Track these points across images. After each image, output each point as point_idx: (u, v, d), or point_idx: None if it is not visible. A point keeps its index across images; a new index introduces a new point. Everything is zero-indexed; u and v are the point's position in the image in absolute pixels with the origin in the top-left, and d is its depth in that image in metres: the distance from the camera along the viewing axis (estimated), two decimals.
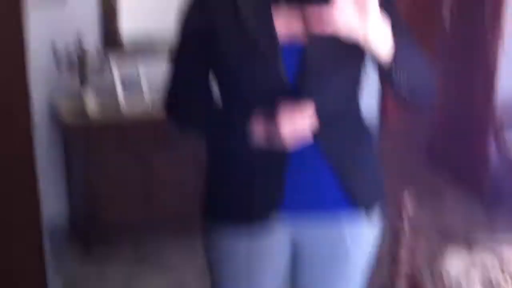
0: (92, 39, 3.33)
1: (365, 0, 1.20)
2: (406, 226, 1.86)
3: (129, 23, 3.48)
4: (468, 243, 1.99)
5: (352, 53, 1.37)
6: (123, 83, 3.28)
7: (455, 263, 1.88)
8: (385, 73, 1.36)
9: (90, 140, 3.11)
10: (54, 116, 3.27)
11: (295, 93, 1.38)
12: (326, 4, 1.18)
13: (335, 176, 1.44)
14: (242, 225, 1.48)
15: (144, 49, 3.51)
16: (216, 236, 1.53)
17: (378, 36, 1.26)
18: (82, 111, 3.15)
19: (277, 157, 1.41)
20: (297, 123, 1.33)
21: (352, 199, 1.46)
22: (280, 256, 1.53)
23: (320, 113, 1.36)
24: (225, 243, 1.51)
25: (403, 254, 1.85)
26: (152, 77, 3.30)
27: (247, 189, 1.45)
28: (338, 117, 1.45)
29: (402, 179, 4.29)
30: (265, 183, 1.44)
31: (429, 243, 3.03)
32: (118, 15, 3.42)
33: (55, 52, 3.12)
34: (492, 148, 3.86)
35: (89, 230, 3.27)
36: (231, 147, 1.48)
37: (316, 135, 1.39)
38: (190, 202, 2.77)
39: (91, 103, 3.16)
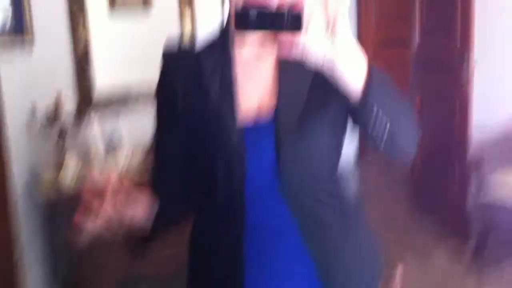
0: (68, 97, 3.20)
1: (336, 23, 1.12)
2: None
3: (104, 77, 3.30)
4: None
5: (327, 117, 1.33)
6: (104, 141, 3.17)
7: None
8: (359, 114, 1.23)
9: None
10: (35, 184, 3.06)
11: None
12: (298, 31, 1.13)
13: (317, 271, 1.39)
14: None
15: (122, 103, 3.38)
16: None
17: (350, 62, 1.16)
18: (61, 181, 2.93)
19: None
20: None
21: None
22: None
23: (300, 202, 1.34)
24: None
25: None
26: (134, 132, 3.21)
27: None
28: (319, 201, 1.38)
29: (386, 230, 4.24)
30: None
31: None
32: (92, 70, 3.25)
33: (33, 113, 2.98)
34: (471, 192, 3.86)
35: None
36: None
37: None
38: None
39: (71, 167, 3.02)
